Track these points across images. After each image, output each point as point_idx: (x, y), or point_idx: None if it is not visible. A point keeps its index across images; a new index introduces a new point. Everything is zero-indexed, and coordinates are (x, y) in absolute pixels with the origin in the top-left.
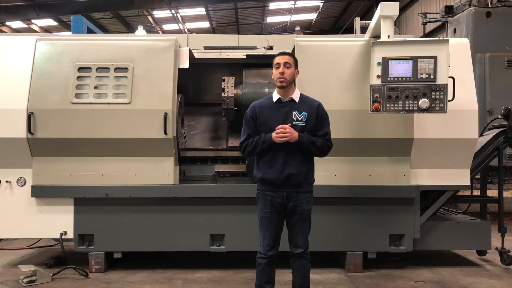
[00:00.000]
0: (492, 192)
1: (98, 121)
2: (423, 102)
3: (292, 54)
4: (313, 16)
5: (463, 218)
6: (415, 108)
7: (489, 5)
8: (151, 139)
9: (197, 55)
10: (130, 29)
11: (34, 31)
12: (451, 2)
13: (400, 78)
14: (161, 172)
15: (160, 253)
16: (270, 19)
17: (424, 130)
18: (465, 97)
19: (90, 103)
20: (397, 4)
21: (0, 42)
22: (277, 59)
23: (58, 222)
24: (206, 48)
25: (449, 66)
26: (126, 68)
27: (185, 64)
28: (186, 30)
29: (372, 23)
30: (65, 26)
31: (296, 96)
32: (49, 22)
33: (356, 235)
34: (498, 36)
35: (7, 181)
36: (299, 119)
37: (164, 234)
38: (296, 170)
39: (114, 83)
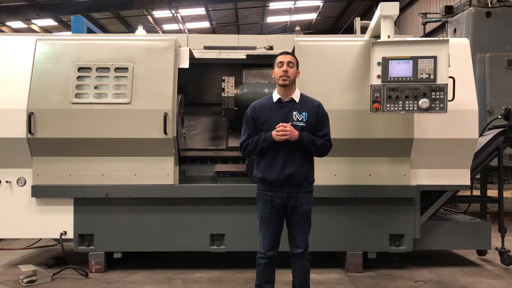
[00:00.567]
0: (492, 192)
1: (98, 121)
2: (423, 102)
3: (294, 55)
4: (313, 16)
5: (463, 218)
6: (415, 108)
7: (489, 5)
8: (151, 139)
9: (197, 55)
10: (130, 29)
11: (34, 31)
12: (451, 2)
13: (400, 78)
14: (161, 172)
15: (160, 253)
16: (270, 19)
17: (424, 130)
18: (465, 97)
19: (90, 103)
20: (397, 4)
21: (0, 42)
22: (280, 58)
23: (58, 222)
24: (206, 48)
25: (449, 66)
26: (126, 68)
27: (185, 64)
28: (186, 30)
29: (372, 23)
30: (65, 26)
31: (296, 96)
32: (49, 22)
33: (356, 235)
34: (498, 36)
35: (7, 181)
36: (299, 119)
37: (164, 234)
38: (296, 170)
39: (114, 83)
